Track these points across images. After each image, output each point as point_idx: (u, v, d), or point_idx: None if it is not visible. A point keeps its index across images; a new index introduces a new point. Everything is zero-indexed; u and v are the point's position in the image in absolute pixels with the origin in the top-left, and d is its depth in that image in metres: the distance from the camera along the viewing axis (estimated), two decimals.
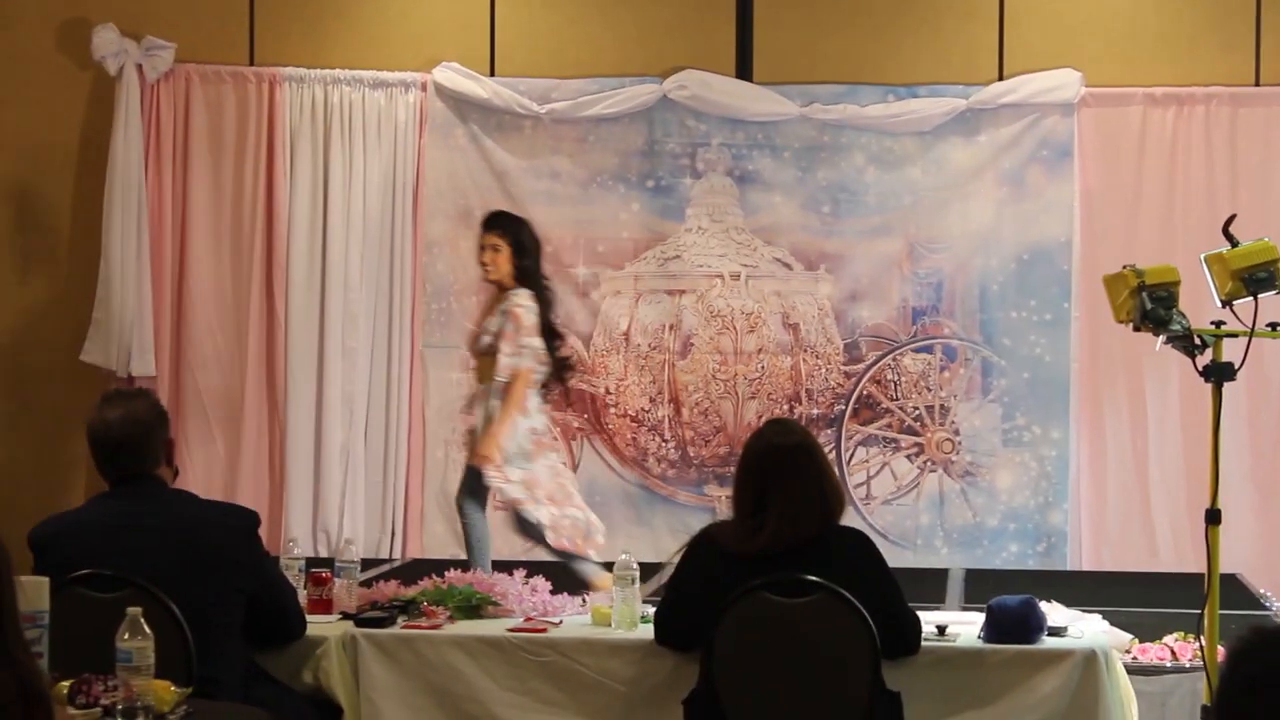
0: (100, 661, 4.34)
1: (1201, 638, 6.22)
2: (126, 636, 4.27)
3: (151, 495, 5.35)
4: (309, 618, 5.87)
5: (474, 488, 8.43)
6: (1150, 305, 6.01)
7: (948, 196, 10.06)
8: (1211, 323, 6.12)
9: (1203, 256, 6.22)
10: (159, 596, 5.01)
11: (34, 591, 4.22)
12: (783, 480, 5.49)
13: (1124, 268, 6.16)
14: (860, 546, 5.59)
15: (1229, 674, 2.88)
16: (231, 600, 5.32)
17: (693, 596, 5.58)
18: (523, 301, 8.40)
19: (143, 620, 4.30)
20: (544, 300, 8.51)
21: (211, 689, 5.02)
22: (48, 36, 10.26)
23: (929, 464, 10.07)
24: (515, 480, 8.33)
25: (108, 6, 10.13)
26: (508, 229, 8.61)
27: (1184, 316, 6.08)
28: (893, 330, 10.12)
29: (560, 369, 8.62)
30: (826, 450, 9.89)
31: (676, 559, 5.75)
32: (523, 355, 8.34)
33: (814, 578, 5.33)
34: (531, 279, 8.53)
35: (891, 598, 5.52)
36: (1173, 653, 7.08)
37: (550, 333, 8.52)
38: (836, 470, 9.81)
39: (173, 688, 4.37)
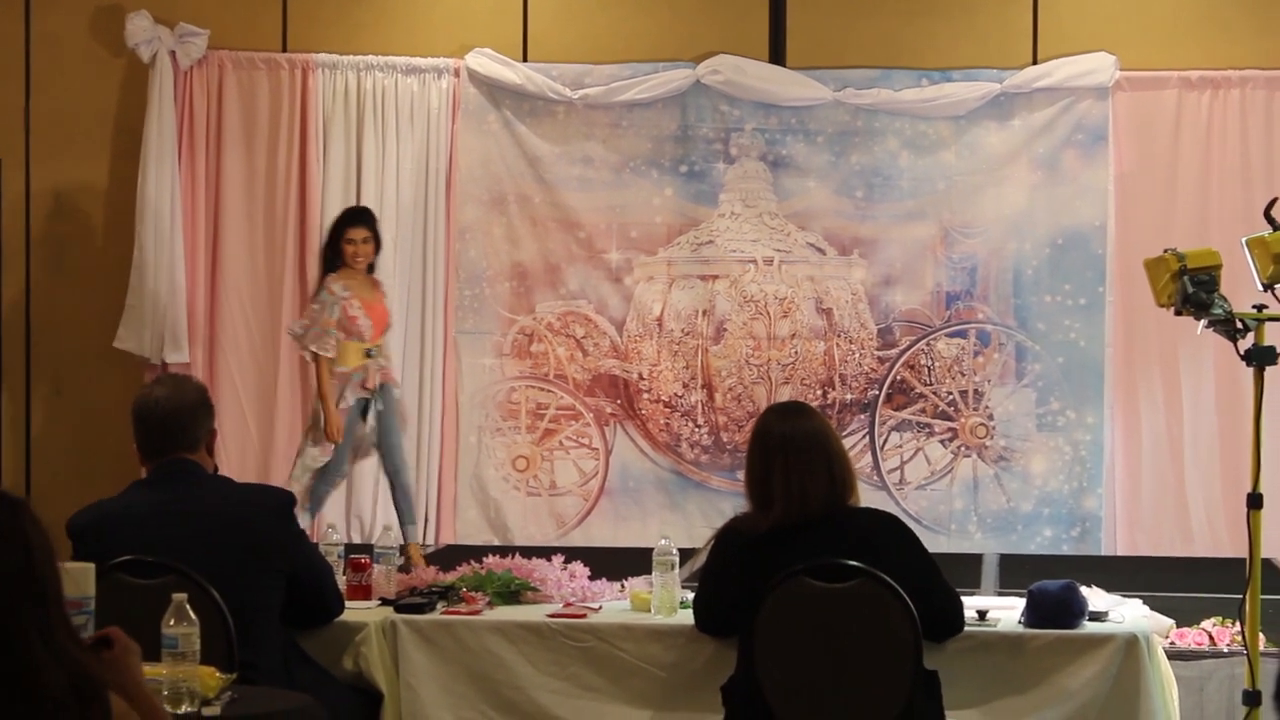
0: (142, 647, 4.33)
1: (1241, 623, 6.19)
2: (172, 623, 4.27)
3: (188, 481, 5.34)
4: (348, 604, 5.87)
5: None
6: (1192, 289, 5.96)
7: (982, 181, 10.04)
8: (1253, 306, 6.08)
9: (1244, 240, 6.17)
10: (200, 582, 5.01)
11: (80, 577, 4.20)
12: (783, 455, 5.47)
13: (1165, 251, 6.11)
14: (896, 531, 5.57)
15: None
16: (271, 582, 5.31)
17: (725, 586, 5.57)
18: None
19: (188, 606, 4.31)
20: None
21: (252, 674, 5.01)
22: (81, 24, 10.27)
23: (963, 449, 10.05)
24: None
25: None
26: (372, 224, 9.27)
27: (1225, 300, 6.04)
28: (926, 315, 10.09)
29: None
30: (860, 435, 9.98)
31: (707, 550, 5.74)
32: None
33: (855, 563, 5.31)
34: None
35: (932, 580, 5.49)
36: (1211, 638, 7.05)
37: None
38: (872, 451, 9.90)
39: (217, 674, 4.38)
